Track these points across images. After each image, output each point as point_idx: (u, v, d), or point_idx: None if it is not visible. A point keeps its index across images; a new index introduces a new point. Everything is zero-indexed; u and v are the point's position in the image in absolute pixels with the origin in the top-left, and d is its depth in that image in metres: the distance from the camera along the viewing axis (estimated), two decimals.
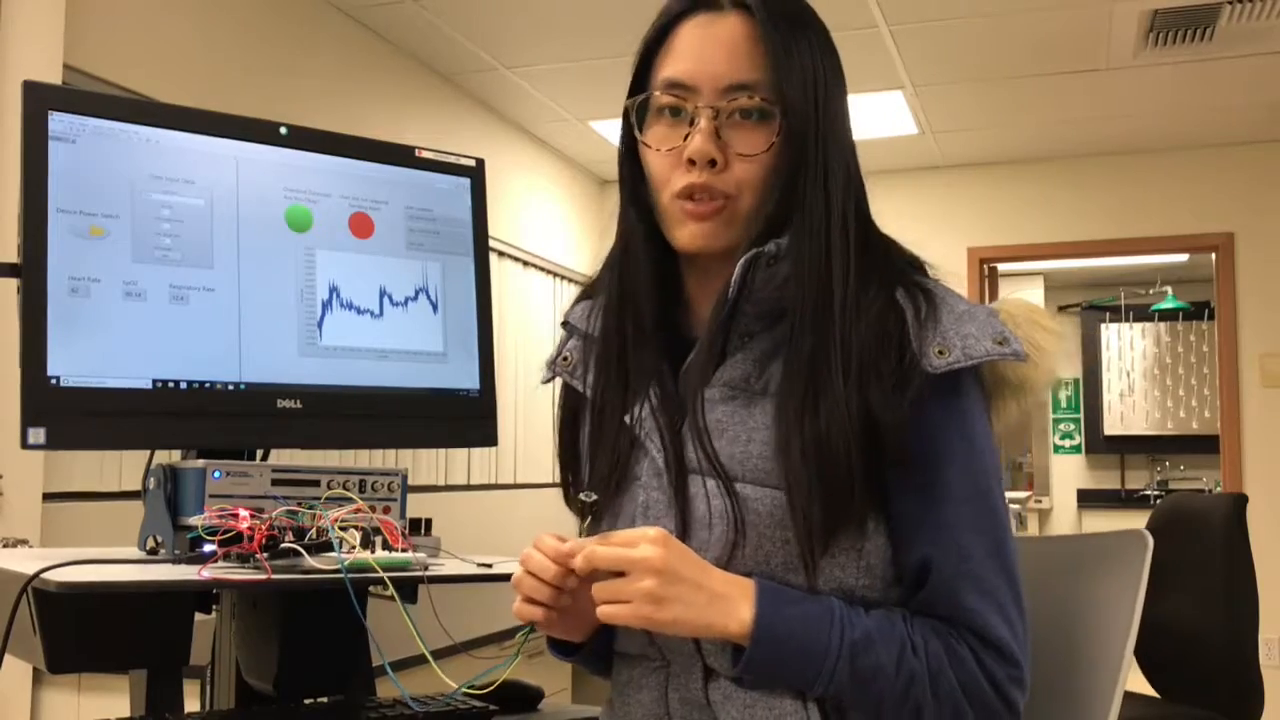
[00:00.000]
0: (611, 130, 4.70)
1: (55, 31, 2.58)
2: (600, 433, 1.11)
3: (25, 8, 2.53)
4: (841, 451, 0.97)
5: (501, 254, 4.74)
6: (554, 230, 5.27)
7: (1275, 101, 4.65)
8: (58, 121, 1.26)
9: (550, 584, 1.00)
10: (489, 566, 1.32)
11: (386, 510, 1.34)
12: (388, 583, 1.17)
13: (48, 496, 2.56)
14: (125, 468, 2.78)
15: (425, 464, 4.17)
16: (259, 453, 1.38)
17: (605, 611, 0.96)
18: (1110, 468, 8.77)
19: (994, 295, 5.80)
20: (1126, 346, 8.60)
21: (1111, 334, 8.63)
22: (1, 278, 1.25)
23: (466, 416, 1.49)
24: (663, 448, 1.05)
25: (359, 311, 1.42)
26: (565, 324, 1.19)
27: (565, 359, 1.18)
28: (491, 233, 1.71)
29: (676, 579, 0.95)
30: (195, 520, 1.19)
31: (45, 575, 1.08)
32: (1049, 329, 1.10)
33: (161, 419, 1.28)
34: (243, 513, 1.18)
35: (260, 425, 1.34)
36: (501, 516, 4.55)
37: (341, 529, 1.21)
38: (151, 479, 1.29)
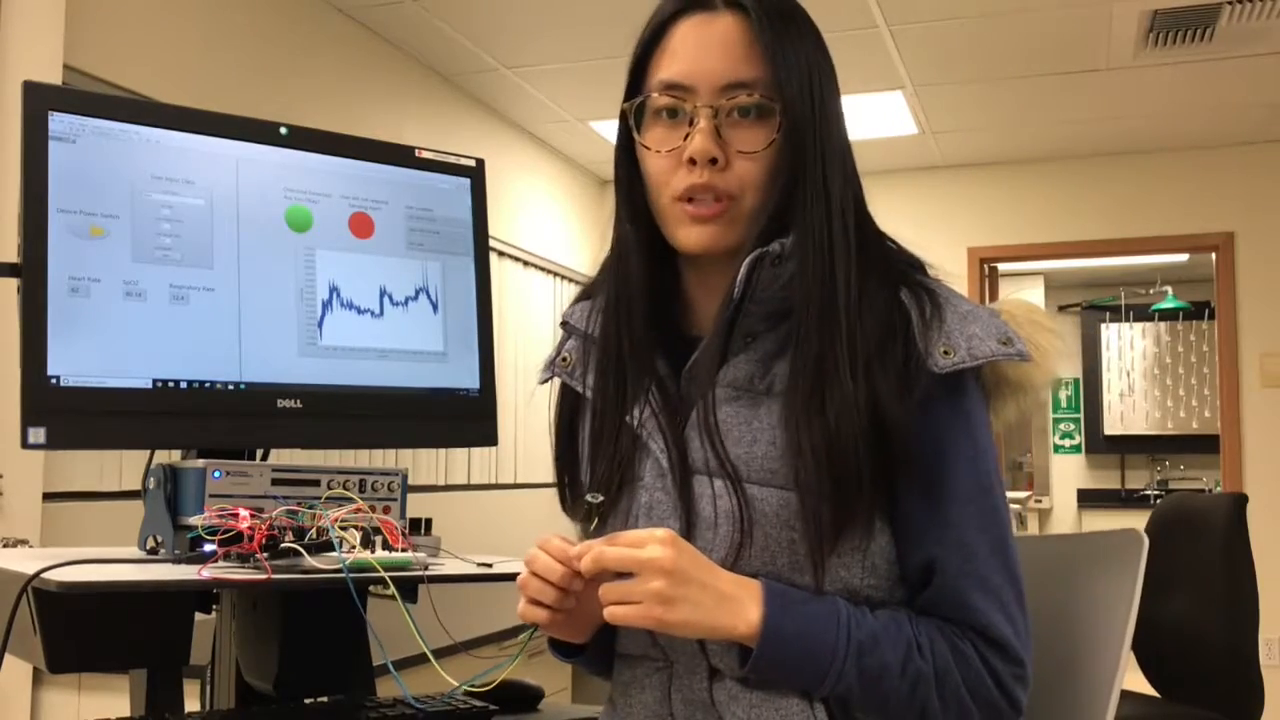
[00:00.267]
0: (611, 130, 4.68)
1: (55, 32, 2.57)
2: (600, 434, 1.11)
3: (25, 8, 2.52)
4: (851, 448, 0.97)
5: (501, 254, 4.73)
6: (554, 230, 5.27)
7: (1275, 101, 4.65)
8: (58, 122, 1.26)
9: (556, 586, 1.00)
10: (489, 566, 1.32)
11: (386, 510, 1.34)
12: (388, 582, 1.17)
13: (48, 496, 2.55)
14: (125, 468, 2.78)
15: (425, 464, 4.16)
16: (259, 453, 1.38)
17: (614, 612, 0.95)
18: (1110, 467, 8.77)
19: (994, 295, 5.80)
20: (1126, 346, 8.59)
21: (1111, 334, 8.63)
22: (1, 278, 1.25)
23: (466, 416, 1.49)
24: (666, 448, 1.05)
25: (359, 311, 1.42)
26: (564, 324, 1.19)
27: (564, 359, 1.18)
28: (491, 233, 1.71)
29: (686, 580, 0.95)
30: (195, 520, 1.19)
31: (45, 575, 1.08)
32: (1049, 329, 1.11)
33: (161, 419, 1.28)
34: (243, 512, 1.18)
35: (260, 425, 1.34)
36: (501, 516, 4.55)
37: (342, 529, 1.21)
38: (151, 479, 1.29)
